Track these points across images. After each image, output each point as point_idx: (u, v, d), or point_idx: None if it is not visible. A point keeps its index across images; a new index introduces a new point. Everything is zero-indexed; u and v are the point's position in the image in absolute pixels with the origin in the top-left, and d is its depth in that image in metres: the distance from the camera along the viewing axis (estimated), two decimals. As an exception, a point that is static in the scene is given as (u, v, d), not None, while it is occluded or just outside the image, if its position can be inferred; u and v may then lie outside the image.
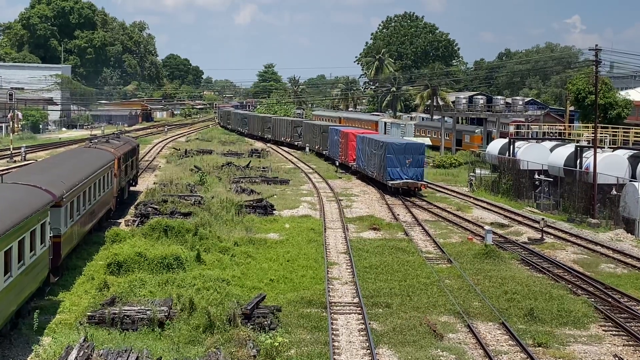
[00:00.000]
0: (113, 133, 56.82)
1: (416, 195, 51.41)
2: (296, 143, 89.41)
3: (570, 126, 72.44)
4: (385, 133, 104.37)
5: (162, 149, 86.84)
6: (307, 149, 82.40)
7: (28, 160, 63.72)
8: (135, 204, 42.17)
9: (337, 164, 67.13)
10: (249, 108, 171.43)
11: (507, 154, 55.51)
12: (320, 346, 20.85)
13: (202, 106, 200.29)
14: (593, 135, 47.75)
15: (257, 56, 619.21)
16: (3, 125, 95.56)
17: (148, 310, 21.53)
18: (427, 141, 79.79)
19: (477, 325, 23.31)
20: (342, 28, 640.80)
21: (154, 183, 52.02)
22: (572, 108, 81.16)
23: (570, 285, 28.13)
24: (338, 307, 24.66)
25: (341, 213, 43.59)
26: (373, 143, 55.97)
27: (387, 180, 52.01)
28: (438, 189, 56.40)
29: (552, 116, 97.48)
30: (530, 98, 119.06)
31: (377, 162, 54.67)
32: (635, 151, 47.30)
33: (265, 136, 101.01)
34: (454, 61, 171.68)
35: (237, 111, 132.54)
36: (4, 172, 46.64)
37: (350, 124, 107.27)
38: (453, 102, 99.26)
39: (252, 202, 42.71)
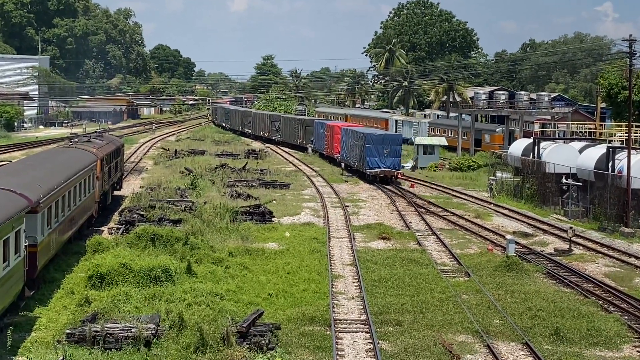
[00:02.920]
0: (95, 131, 56.90)
1: (393, 184, 59.36)
2: (274, 138, 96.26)
3: (601, 125, 72.39)
4: (396, 132, 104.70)
5: (149, 149, 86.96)
6: (310, 149, 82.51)
7: (1, 161, 63.86)
8: (120, 209, 42.22)
9: (343, 166, 67.35)
10: (246, 104, 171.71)
11: (531, 156, 55.45)
12: (323, 368, 20.83)
13: (193, 102, 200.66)
14: (627, 134, 47.68)
15: (254, 47, 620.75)
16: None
17: (133, 327, 21.52)
18: (442, 141, 79.79)
19: (497, 346, 23.28)
20: (349, 16, 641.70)
21: (141, 187, 52.12)
22: (603, 105, 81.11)
23: (601, 302, 28.06)
24: (343, 325, 24.64)
25: (347, 220, 43.61)
26: (355, 134, 64.44)
27: (366, 169, 60.60)
28: (455, 194, 56.44)
29: (581, 114, 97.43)
30: (557, 94, 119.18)
31: (357, 152, 63.08)
32: (673, 153, 47.20)
33: (246, 131, 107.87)
34: (472, 53, 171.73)
35: (223, 106, 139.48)
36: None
37: (358, 121, 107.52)
38: (471, 98, 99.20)
39: (248, 208, 42.74)
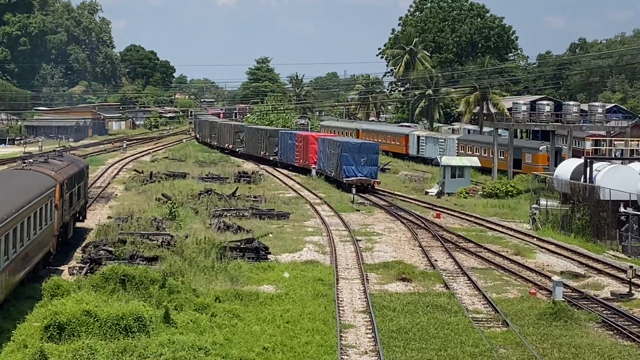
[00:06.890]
0: (54, 150, 57.06)
1: (370, 192, 70.09)
2: (237, 150, 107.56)
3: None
4: (418, 149, 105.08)
5: (119, 171, 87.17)
6: (314, 171, 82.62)
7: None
8: (83, 245, 42.22)
9: (354, 192, 67.43)
10: (236, 117, 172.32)
11: (582, 180, 55.46)
12: None
13: (173, 114, 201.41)
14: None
15: (246, 48, 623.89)
16: None
17: (99, 388, 21.47)
18: (474, 162, 79.75)
19: (542, 411, 23.17)
20: (361, 11, 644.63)
21: (108, 217, 52.18)
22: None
23: (668, 357, 27.98)
24: (355, 386, 24.58)
25: (359, 258, 43.58)
26: (332, 144, 77.04)
27: (342, 177, 71.85)
28: (489, 226, 56.38)
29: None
30: (613, 104, 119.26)
31: (334, 162, 74.96)
32: None
33: (212, 143, 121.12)
34: (510, 55, 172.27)
35: (201, 118, 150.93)
36: None
37: (372, 137, 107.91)
38: (509, 109, 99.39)
39: (239, 243, 42.75)
